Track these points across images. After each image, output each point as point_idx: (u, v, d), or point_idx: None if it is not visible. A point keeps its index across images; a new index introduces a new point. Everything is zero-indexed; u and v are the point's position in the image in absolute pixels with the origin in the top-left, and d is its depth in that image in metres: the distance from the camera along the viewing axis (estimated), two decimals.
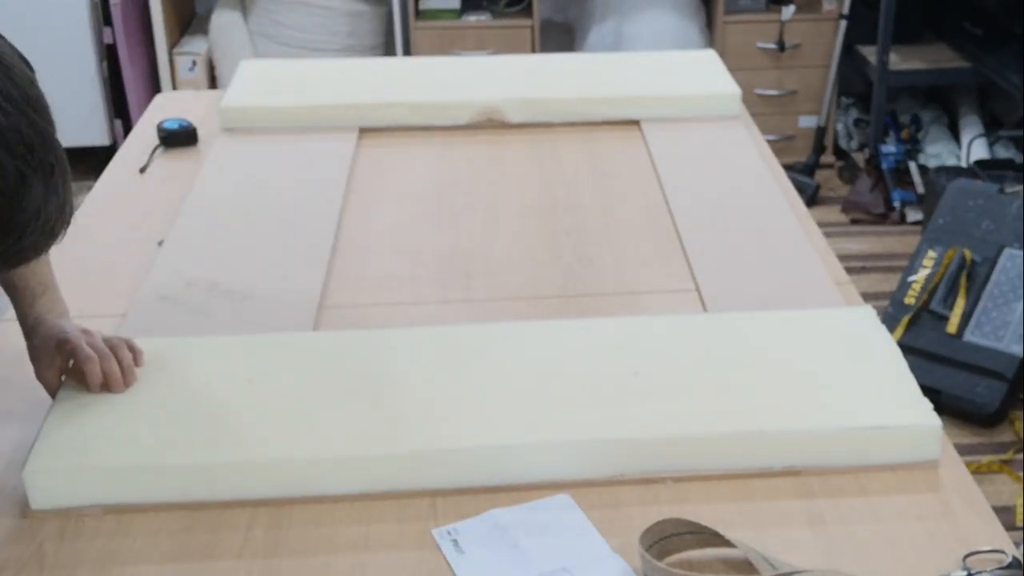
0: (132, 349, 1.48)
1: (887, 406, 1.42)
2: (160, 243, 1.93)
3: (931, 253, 3.25)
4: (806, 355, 1.53)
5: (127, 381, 1.46)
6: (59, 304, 1.52)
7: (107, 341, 1.47)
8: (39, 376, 1.49)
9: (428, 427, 1.39)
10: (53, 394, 1.47)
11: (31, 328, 1.49)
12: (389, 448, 1.36)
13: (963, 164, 4.19)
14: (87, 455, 1.36)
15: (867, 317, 1.61)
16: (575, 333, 1.59)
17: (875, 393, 1.45)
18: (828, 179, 4.48)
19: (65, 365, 1.47)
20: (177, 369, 1.51)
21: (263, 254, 1.90)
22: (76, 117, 4.36)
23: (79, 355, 1.44)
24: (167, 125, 2.34)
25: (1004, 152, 4.27)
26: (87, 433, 1.39)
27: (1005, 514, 2.75)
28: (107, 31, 4.31)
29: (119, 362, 1.45)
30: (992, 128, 4.40)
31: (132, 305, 1.74)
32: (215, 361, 1.53)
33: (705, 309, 1.73)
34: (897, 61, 4.30)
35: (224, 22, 4.40)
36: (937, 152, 4.34)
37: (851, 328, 1.59)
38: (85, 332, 1.47)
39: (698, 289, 1.78)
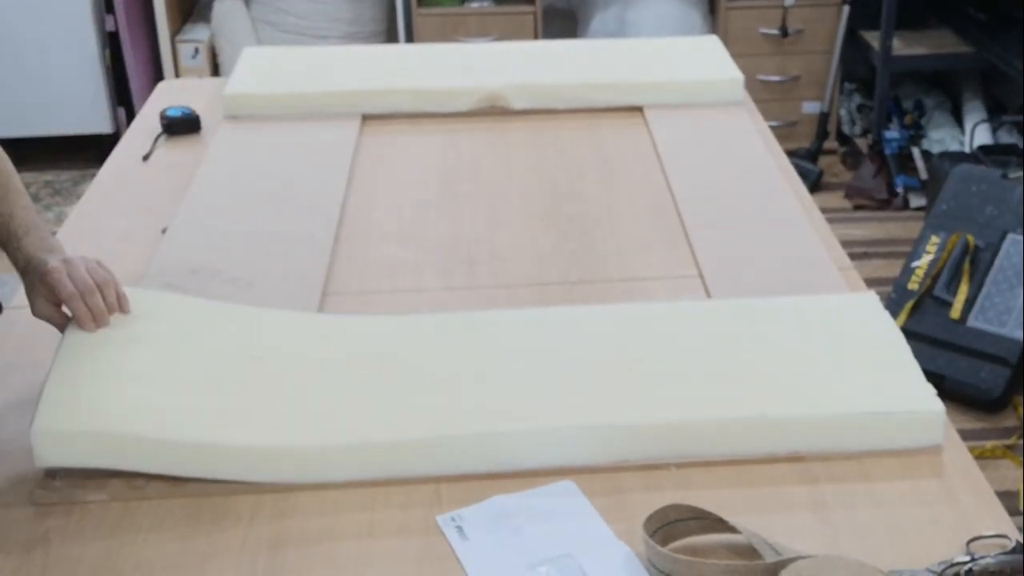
0: (117, 292, 1.49)
1: (890, 391, 1.42)
2: (163, 231, 1.93)
3: (934, 239, 3.25)
4: (809, 341, 1.53)
5: (122, 310, 1.48)
6: (46, 241, 1.52)
7: (92, 273, 1.46)
8: (36, 312, 1.49)
9: (433, 413, 1.40)
10: (56, 325, 1.48)
11: (23, 270, 1.50)
12: (394, 435, 1.37)
13: (966, 150, 4.18)
14: (95, 420, 1.36)
15: (870, 303, 1.61)
16: (579, 320, 1.59)
17: (878, 378, 1.45)
18: (831, 165, 4.47)
19: (55, 298, 1.46)
20: (182, 333, 1.52)
21: (266, 241, 1.90)
22: (79, 105, 4.36)
23: (62, 293, 1.44)
24: (170, 113, 2.34)
25: (1007, 138, 4.26)
26: (93, 394, 1.40)
27: (1008, 499, 2.75)
28: (109, 19, 4.31)
29: (104, 298, 1.46)
30: (995, 114, 4.39)
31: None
32: (222, 330, 1.54)
33: (708, 295, 1.73)
34: (900, 46, 4.29)
35: (227, 9, 4.40)
36: (940, 138, 4.33)
37: (854, 314, 1.59)
38: (67, 263, 1.47)
39: (701, 275, 1.78)
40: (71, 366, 1.43)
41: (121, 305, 1.49)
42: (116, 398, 1.40)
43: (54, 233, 1.61)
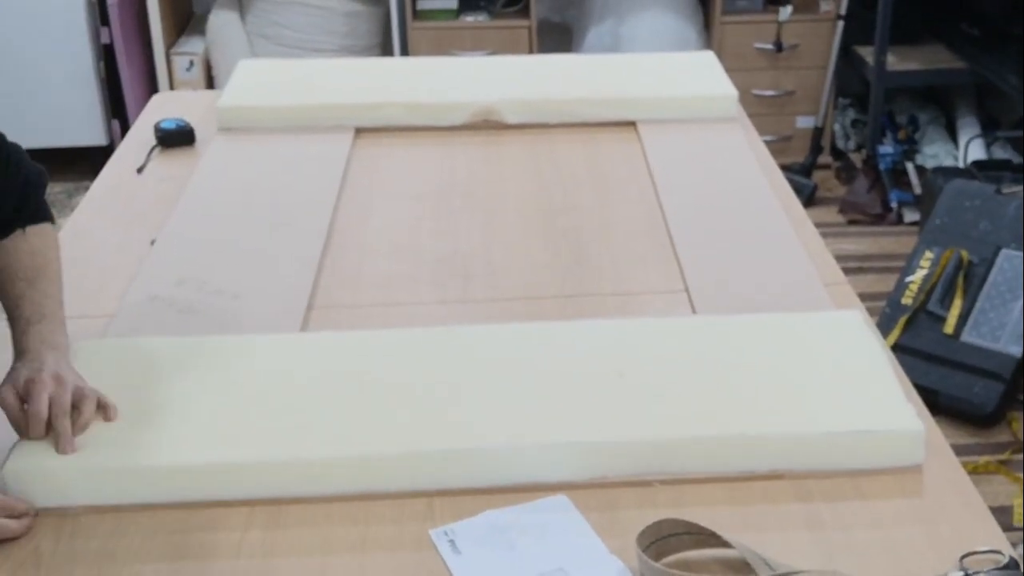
0: (104, 407, 1.41)
1: (870, 410, 1.41)
2: (152, 242, 1.92)
3: (928, 254, 3.25)
4: (790, 358, 1.52)
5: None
6: (54, 335, 1.45)
7: (76, 393, 1.39)
8: None
9: (425, 427, 1.39)
10: (9, 417, 1.39)
11: (19, 353, 1.44)
12: (386, 448, 1.37)
13: (960, 165, 4.19)
14: (73, 455, 1.35)
15: (853, 320, 1.60)
16: (567, 335, 1.59)
17: (859, 397, 1.44)
18: (825, 179, 4.48)
19: (24, 399, 1.39)
20: (159, 371, 1.50)
21: (255, 253, 1.90)
22: (73, 117, 4.36)
23: (31, 408, 1.37)
24: (164, 125, 2.34)
25: (1001, 153, 4.27)
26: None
27: (1002, 514, 2.74)
28: (104, 31, 4.31)
29: (74, 420, 1.38)
30: (989, 129, 4.40)
31: (121, 305, 1.74)
32: (203, 361, 1.52)
33: (694, 311, 1.72)
34: (895, 62, 4.30)
35: (222, 22, 4.40)
36: (934, 153, 4.34)
37: (836, 331, 1.58)
38: (57, 382, 1.39)
39: (687, 291, 1.78)
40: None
41: (107, 414, 1.41)
42: (94, 435, 1.38)
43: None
